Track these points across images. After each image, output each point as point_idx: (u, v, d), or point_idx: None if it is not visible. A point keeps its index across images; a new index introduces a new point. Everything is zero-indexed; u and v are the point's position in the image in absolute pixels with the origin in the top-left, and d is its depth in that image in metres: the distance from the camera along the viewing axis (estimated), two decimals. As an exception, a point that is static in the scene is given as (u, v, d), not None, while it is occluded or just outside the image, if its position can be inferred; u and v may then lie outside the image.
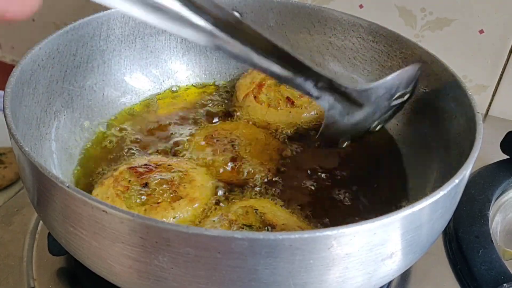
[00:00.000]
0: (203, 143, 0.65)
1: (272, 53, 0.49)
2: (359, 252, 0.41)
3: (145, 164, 0.58)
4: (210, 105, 0.75)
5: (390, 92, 0.60)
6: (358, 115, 0.59)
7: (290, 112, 0.70)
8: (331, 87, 0.54)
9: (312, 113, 0.71)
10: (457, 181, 0.45)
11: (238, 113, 0.72)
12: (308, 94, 0.54)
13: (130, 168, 0.58)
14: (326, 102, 0.56)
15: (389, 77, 0.60)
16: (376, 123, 0.64)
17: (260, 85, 0.73)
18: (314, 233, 0.38)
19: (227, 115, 0.73)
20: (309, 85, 0.53)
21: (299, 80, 0.52)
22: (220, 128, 0.68)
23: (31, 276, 0.58)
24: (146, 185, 0.56)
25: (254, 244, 0.37)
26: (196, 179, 0.58)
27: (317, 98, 0.55)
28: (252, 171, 0.62)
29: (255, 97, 0.72)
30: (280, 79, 0.52)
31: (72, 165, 0.63)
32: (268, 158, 0.64)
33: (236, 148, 0.64)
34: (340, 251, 0.39)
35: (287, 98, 0.71)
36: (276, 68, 0.50)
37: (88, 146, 0.66)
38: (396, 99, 0.62)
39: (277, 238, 0.37)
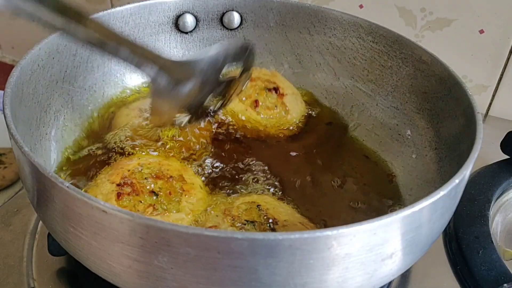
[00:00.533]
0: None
1: (70, 15, 0.47)
2: (359, 252, 0.40)
3: (137, 169, 0.58)
4: None
5: (215, 65, 0.59)
6: (186, 87, 0.57)
7: (246, 110, 0.71)
8: (149, 57, 0.53)
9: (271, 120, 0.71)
10: (457, 181, 0.45)
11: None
12: (127, 61, 0.52)
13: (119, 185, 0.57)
14: (149, 71, 0.54)
15: (212, 51, 0.59)
16: (210, 97, 0.62)
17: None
18: (314, 233, 0.38)
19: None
20: (125, 53, 0.51)
21: (112, 47, 0.50)
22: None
23: (31, 276, 0.58)
24: (153, 193, 0.56)
25: (254, 244, 0.37)
26: (194, 182, 0.58)
27: (137, 66, 0.53)
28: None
29: None
30: (89, 44, 0.49)
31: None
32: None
33: None
34: (340, 251, 0.39)
35: (255, 100, 0.71)
36: (83, 33, 0.48)
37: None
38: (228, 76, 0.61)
39: (277, 238, 0.37)
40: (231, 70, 0.61)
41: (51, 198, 0.44)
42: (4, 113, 0.49)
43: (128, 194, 0.54)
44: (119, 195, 0.54)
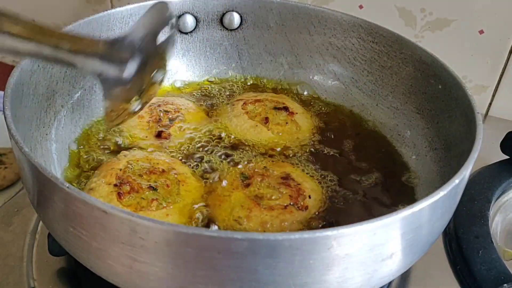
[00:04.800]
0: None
1: None
2: (359, 252, 0.41)
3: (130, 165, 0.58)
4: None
5: (152, 34, 0.57)
6: (132, 66, 0.55)
7: (256, 125, 0.69)
8: (86, 49, 0.49)
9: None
10: (457, 181, 0.45)
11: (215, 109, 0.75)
12: (68, 64, 0.48)
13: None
14: (91, 67, 0.50)
15: (141, 22, 0.58)
16: (156, 70, 0.59)
17: (257, 100, 0.73)
18: (314, 234, 0.38)
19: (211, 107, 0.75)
20: (62, 53, 0.46)
21: (47, 50, 0.45)
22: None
23: (31, 276, 0.58)
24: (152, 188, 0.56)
25: (254, 244, 0.37)
26: (185, 172, 0.60)
27: (80, 68, 0.49)
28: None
29: (244, 103, 0.72)
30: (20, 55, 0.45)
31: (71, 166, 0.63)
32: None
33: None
34: (340, 251, 0.39)
35: (265, 117, 0.70)
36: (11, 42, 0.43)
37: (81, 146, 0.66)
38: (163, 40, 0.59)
39: (277, 239, 0.37)
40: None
41: (51, 199, 0.44)
42: (4, 113, 0.49)
43: (129, 193, 0.55)
44: (120, 195, 0.54)
